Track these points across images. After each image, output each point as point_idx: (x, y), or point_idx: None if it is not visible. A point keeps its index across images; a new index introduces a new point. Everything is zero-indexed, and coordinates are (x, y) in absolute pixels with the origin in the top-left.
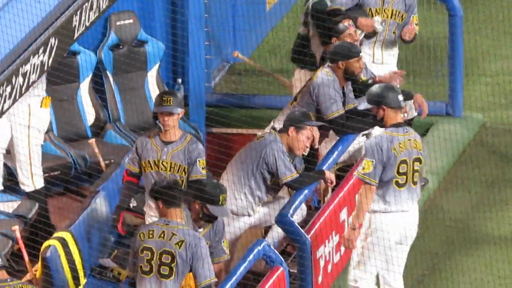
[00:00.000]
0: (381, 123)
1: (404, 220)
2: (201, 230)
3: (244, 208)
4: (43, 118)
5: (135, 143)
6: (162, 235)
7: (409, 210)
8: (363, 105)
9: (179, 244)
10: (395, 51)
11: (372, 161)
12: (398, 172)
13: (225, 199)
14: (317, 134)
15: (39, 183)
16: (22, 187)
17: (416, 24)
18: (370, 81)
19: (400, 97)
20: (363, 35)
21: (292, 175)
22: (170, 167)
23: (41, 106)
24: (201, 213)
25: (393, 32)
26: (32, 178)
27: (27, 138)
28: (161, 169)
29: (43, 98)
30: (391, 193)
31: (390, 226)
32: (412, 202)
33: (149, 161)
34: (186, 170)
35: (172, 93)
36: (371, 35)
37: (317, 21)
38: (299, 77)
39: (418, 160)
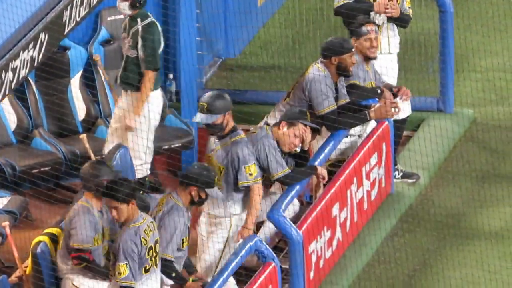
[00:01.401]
0: None
1: None
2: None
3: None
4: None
5: None
6: (149, 229)
7: None
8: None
9: (158, 229)
10: (396, 40)
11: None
12: None
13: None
14: (308, 136)
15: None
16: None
17: (409, 8)
18: (379, 91)
19: None
20: (385, 18)
21: (284, 171)
22: None
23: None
24: (197, 197)
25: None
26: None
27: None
28: None
29: None
30: None
31: None
32: None
33: None
34: None
35: None
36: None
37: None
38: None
39: None
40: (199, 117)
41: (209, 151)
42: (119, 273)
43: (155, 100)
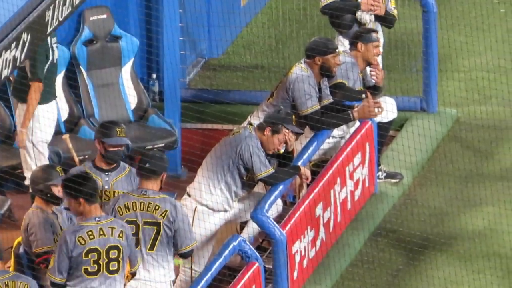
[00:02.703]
0: None
1: None
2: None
3: (220, 203)
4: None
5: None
6: (102, 233)
7: None
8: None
9: (121, 236)
10: (381, 40)
11: None
12: None
13: None
14: (292, 139)
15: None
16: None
17: (394, 8)
18: (363, 96)
19: None
20: (372, 17)
21: (267, 171)
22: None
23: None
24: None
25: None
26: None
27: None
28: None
29: None
30: None
31: None
32: None
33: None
34: None
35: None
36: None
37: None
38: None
39: None
40: None
41: None
42: (50, 265)
43: (43, 113)
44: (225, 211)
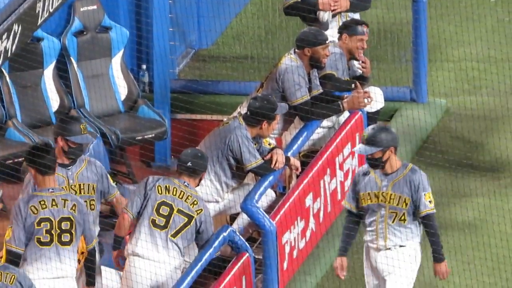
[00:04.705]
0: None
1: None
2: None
3: (210, 194)
4: None
5: None
6: (54, 203)
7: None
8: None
9: (74, 209)
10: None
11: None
12: None
13: None
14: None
15: None
16: None
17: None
18: (352, 86)
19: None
20: (330, 15)
21: (257, 162)
22: None
23: None
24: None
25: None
26: None
27: None
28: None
29: None
30: None
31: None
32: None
33: None
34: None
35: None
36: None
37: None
38: None
39: None
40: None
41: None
42: (7, 236)
43: None
44: (216, 201)
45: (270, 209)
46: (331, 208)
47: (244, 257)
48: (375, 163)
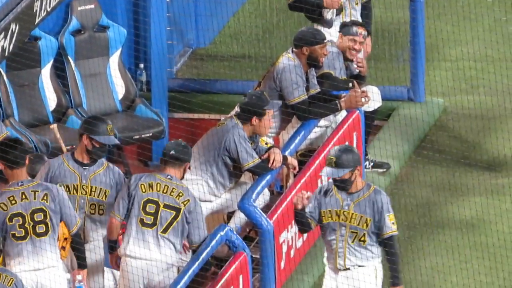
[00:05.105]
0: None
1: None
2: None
3: (206, 193)
4: None
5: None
6: (24, 197)
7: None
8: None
9: (45, 198)
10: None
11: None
12: None
13: None
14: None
15: None
16: None
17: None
18: (350, 85)
19: None
20: (334, 13)
21: (254, 161)
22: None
23: None
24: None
25: (356, 3)
26: None
27: None
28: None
29: None
30: None
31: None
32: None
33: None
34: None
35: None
36: (338, 12)
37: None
38: None
39: None
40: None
41: None
42: None
43: None
44: (211, 201)
45: (266, 208)
46: None
47: (241, 257)
48: (343, 184)
